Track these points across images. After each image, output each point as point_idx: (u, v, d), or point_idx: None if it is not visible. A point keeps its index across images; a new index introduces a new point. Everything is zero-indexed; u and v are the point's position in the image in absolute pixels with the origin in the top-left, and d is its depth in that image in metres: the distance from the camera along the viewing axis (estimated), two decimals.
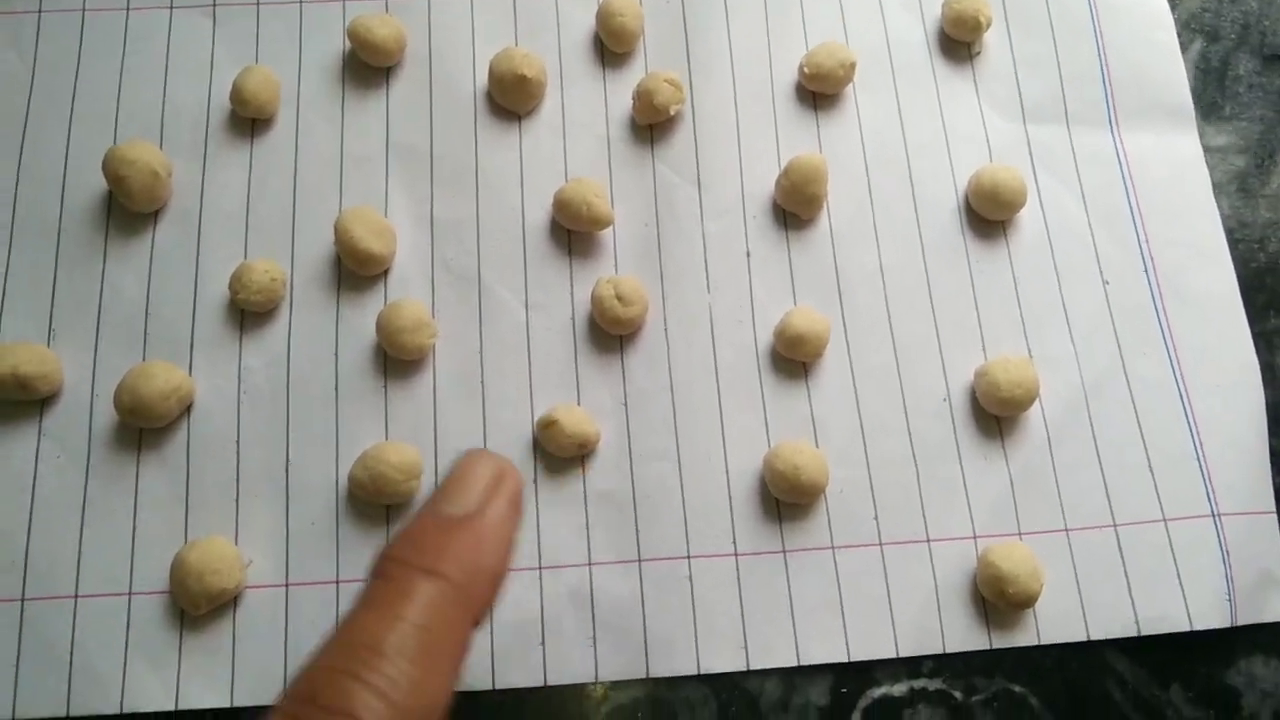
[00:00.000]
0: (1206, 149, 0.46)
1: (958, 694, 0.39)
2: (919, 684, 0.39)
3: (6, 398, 0.39)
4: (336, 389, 0.41)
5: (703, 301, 0.43)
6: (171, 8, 0.46)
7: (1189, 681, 0.39)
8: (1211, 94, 0.48)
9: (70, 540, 0.38)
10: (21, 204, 0.42)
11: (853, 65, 0.45)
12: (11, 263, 0.42)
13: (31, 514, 0.39)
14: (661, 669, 0.38)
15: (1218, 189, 0.46)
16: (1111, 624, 0.39)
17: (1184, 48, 0.48)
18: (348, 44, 0.45)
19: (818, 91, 0.46)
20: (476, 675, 0.37)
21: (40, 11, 0.45)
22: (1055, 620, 0.39)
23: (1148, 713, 0.39)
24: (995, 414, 0.42)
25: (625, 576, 0.39)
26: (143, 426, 0.39)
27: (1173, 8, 0.48)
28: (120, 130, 0.44)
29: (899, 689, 0.39)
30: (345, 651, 0.19)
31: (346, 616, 0.20)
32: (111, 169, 0.41)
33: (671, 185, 0.44)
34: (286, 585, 0.38)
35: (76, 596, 0.38)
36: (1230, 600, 0.39)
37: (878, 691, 0.39)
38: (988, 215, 0.44)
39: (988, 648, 0.39)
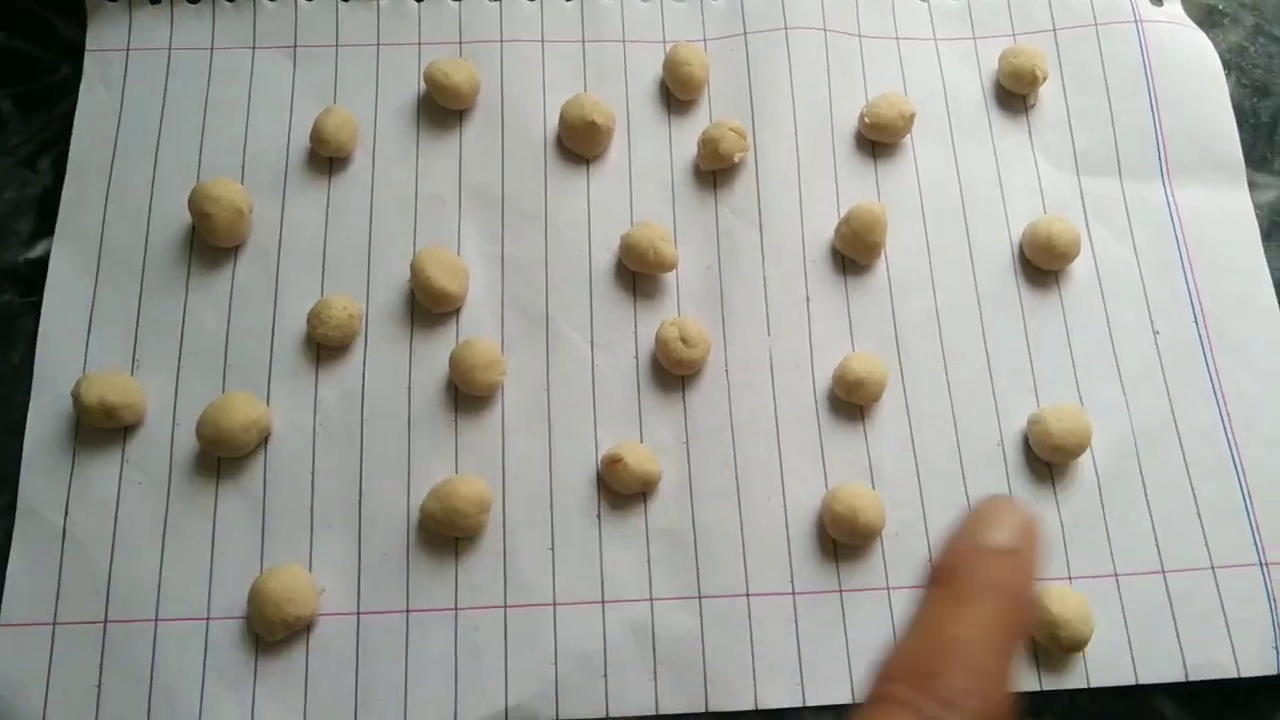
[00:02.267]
0: (1255, 203, 0.47)
1: None
2: None
3: (93, 425, 0.41)
4: (409, 423, 0.42)
5: (763, 344, 0.44)
6: (254, 48, 0.47)
7: None
8: (1262, 149, 0.49)
9: (151, 565, 0.40)
10: (108, 237, 0.44)
11: (912, 116, 0.46)
12: (98, 294, 0.43)
13: (114, 539, 0.40)
14: (720, 703, 0.39)
15: (1266, 241, 0.47)
16: (1159, 669, 0.40)
17: (1235, 103, 0.49)
18: (423, 86, 0.46)
19: (877, 141, 0.47)
20: (539, 706, 0.38)
21: (129, 50, 0.47)
22: (1104, 664, 0.40)
23: None
24: (1047, 460, 0.42)
25: (686, 612, 0.40)
26: (222, 456, 0.41)
27: (1224, 64, 0.50)
28: (204, 167, 0.45)
29: None
30: (933, 643, 0.22)
31: (920, 617, 0.23)
32: (196, 205, 0.43)
33: (734, 230, 0.45)
34: (358, 614, 0.40)
35: (157, 620, 0.39)
36: (1277, 648, 0.40)
37: None
38: (1042, 265, 0.45)
39: (1038, 689, 0.40)
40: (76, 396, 0.40)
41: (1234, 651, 0.40)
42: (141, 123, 0.46)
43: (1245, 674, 0.40)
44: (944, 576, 0.23)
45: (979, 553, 0.23)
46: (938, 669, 0.21)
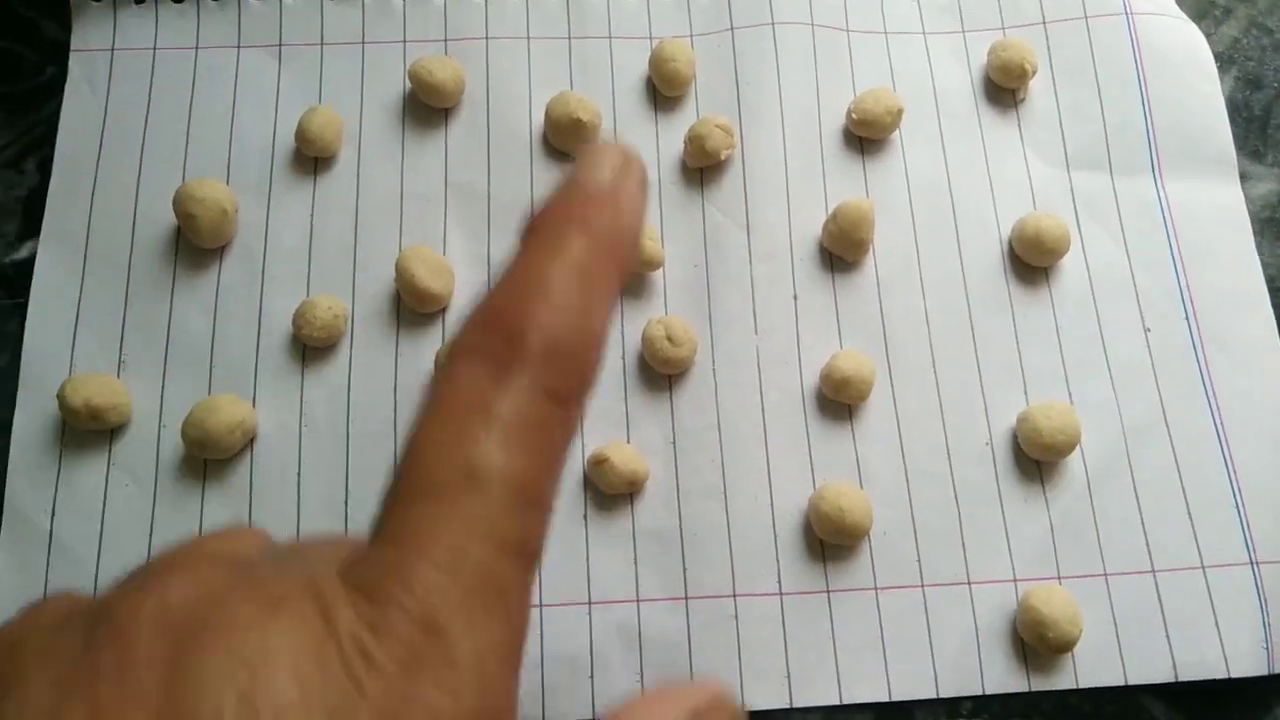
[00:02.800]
0: (1248, 197, 0.47)
1: None
2: None
3: (79, 427, 0.41)
4: (395, 424, 0.42)
5: (750, 343, 0.44)
6: (239, 47, 0.47)
7: None
8: (1254, 142, 0.49)
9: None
10: (94, 238, 0.44)
11: (900, 111, 0.46)
12: (84, 296, 0.43)
13: (101, 541, 0.40)
14: None
15: (1259, 237, 0.46)
16: (1149, 669, 0.40)
17: (1227, 97, 0.49)
18: (408, 85, 0.46)
19: (865, 137, 0.47)
20: (526, 706, 0.38)
21: (113, 50, 0.47)
22: (1093, 664, 0.40)
23: None
24: (1037, 459, 0.42)
25: (672, 613, 0.40)
26: (208, 458, 0.41)
27: (1216, 57, 0.49)
28: (189, 167, 0.45)
29: None
30: (515, 285, 0.20)
31: (504, 268, 0.21)
32: (181, 206, 0.42)
33: (721, 228, 0.45)
34: None
35: None
36: (1268, 648, 0.40)
37: None
38: (1031, 261, 0.45)
39: (1026, 690, 0.40)
40: (62, 399, 0.40)
41: (1224, 651, 0.40)
42: (127, 123, 0.46)
43: (1235, 674, 0.40)
44: (533, 225, 0.21)
45: (570, 195, 0.21)
46: (523, 309, 0.19)
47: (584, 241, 0.20)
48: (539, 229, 0.21)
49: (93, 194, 0.45)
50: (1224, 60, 0.50)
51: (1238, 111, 0.49)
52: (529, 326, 0.19)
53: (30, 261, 0.44)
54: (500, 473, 0.18)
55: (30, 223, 0.45)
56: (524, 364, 0.19)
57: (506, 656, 0.18)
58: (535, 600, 0.40)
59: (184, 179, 0.45)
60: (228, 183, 0.45)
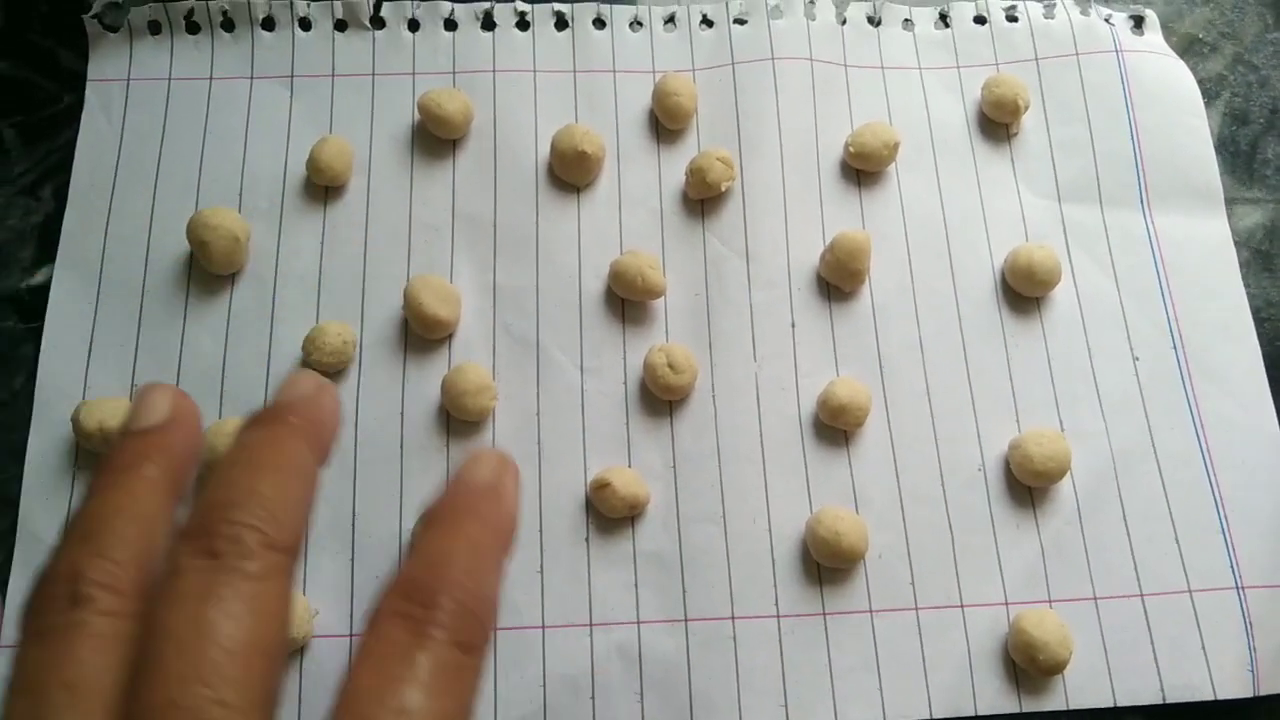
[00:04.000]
0: (1234, 229, 0.48)
1: None
2: None
3: (93, 450, 0.42)
4: (401, 447, 0.43)
5: (749, 370, 0.45)
6: (252, 78, 0.48)
7: None
8: (1240, 176, 0.50)
9: None
10: (109, 264, 0.45)
11: (896, 145, 0.47)
12: (98, 321, 0.44)
13: None
14: None
15: (1245, 269, 0.48)
16: (1137, 691, 0.41)
17: (1214, 131, 0.50)
18: (417, 116, 0.47)
19: (862, 169, 0.48)
20: None
21: (129, 80, 0.48)
22: (1083, 686, 0.41)
23: None
24: (1028, 485, 0.43)
25: (672, 635, 0.41)
26: None
27: (1203, 92, 0.50)
28: (202, 195, 0.46)
29: None
30: (427, 561, 0.24)
31: (411, 550, 0.25)
32: (194, 233, 0.44)
33: (721, 257, 0.46)
34: (351, 636, 0.40)
35: None
36: (1253, 671, 0.41)
37: None
38: (1023, 292, 0.46)
39: (1018, 710, 0.41)
40: (76, 422, 0.41)
41: (1210, 674, 0.41)
42: (141, 152, 0.47)
43: (1221, 696, 0.41)
44: (431, 516, 0.26)
45: (459, 490, 0.26)
46: (423, 580, 0.23)
47: (477, 525, 0.25)
48: (441, 516, 0.26)
49: (108, 221, 0.46)
50: (1211, 95, 0.51)
51: (1224, 145, 0.50)
52: (440, 592, 0.23)
53: (46, 287, 0.45)
54: (427, 713, 0.21)
55: (46, 249, 0.46)
56: (438, 623, 0.22)
57: None
58: (538, 622, 0.41)
59: (197, 207, 0.46)
60: (240, 211, 0.46)
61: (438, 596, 0.23)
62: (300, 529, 0.24)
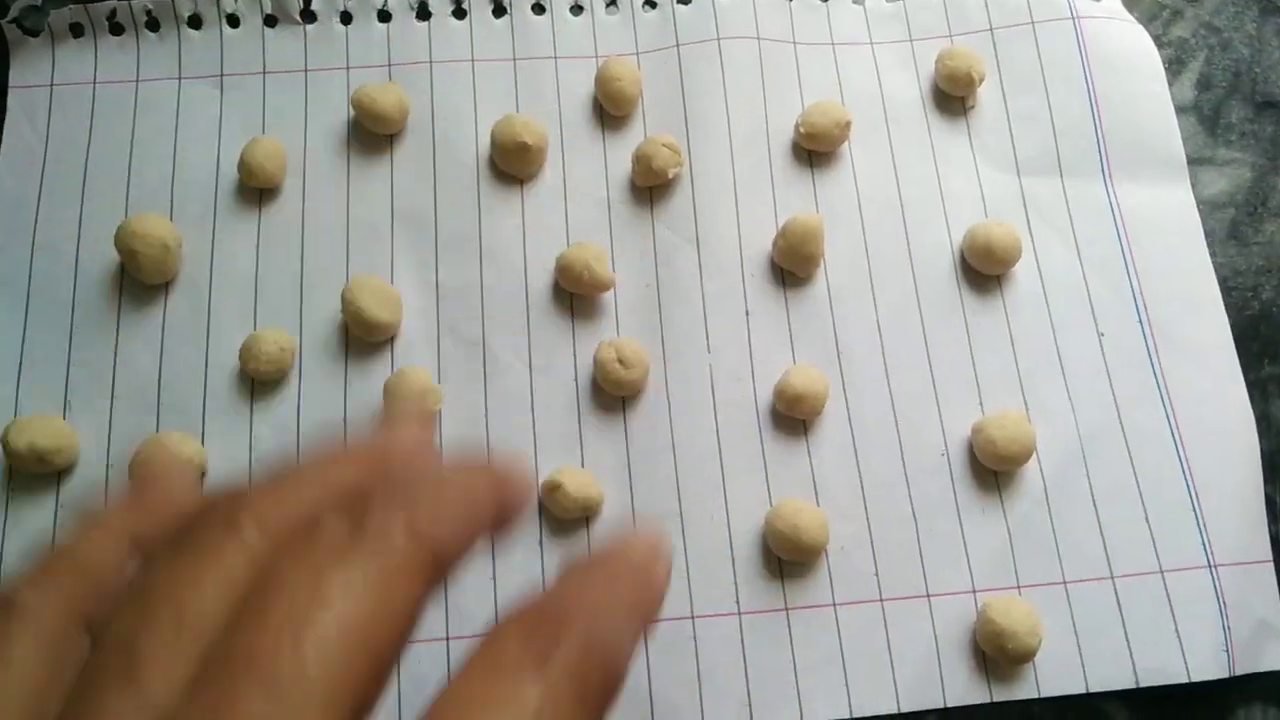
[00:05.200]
0: (1199, 198, 0.47)
1: None
2: None
3: (25, 470, 0.40)
4: None
5: (703, 361, 0.43)
6: (180, 79, 0.47)
7: None
8: (1203, 142, 0.49)
9: None
10: (36, 277, 0.43)
11: (848, 124, 0.46)
12: (27, 337, 0.43)
13: None
14: None
15: (1210, 237, 0.46)
16: (1110, 676, 0.40)
17: (1175, 97, 0.49)
18: (352, 112, 0.46)
19: (814, 150, 0.47)
20: None
21: (53, 85, 0.46)
22: (1054, 673, 0.40)
23: None
24: (993, 469, 0.42)
25: None
26: None
27: (1166, 59, 0.49)
28: (131, 201, 0.45)
29: None
30: (556, 593, 0.22)
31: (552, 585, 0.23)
32: (123, 243, 0.42)
33: (671, 246, 0.45)
34: None
35: None
36: (1228, 651, 0.40)
37: None
38: (984, 270, 0.45)
39: (988, 700, 0.40)
40: (5, 443, 0.40)
41: (1184, 656, 0.40)
42: (67, 159, 0.45)
43: (1196, 678, 0.40)
44: (586, 563, 0.23)
45: (616, 554, 0.24)
46: (567, 608, 0.21)
47: (628, 588, 0.22)
48: (594, 567, 0.23)
49: (34, 232, 0.44)
50: (1173, 62, 0.50)
51: (1186, 113, 0.49)
52: (575, 626, 0.20)
53: None
54: None
55: None
56: (562, 656, 0.20)
57: None
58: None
59: (127, 214, 0.44)
60: (171, 217, 0.44)
61: (571, 628, 0.20)
62: (457, 548, 0.21)
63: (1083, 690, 0.40)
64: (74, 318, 0.43)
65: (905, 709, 0.39)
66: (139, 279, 0.43)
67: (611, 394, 0.42)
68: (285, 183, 0.45)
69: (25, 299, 0.43)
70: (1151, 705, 0.40)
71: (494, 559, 0.40)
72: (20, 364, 0.42)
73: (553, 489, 0.40)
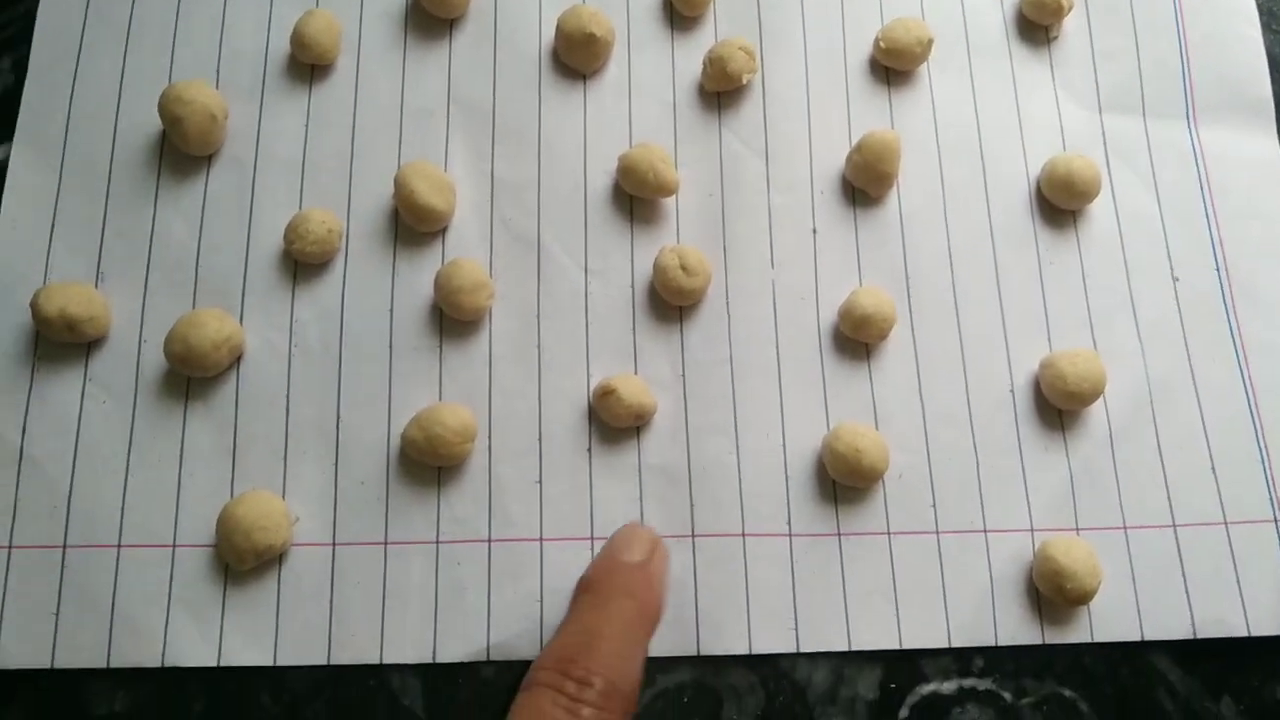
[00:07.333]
0: None
1: (1007, 695, 0.38)
2: (969, 683, 0.38)
3: (54, 339, 0.38)
4: (391, 347, 0.40)
5: (766, 276, 0.42)
6: None
7: (1240, 694, 0.39)
8: None
9: (114, 488, 0.38)
10: (72, 141, 0.41)
11: (930, 42, 0.44)
12: (61, 201, 0.41)
13: (75, 460, 0.38)
14: (712, 647, 0.37)
15: None
16: (1166, 625, 0.38)
17: (1267, 44, 0.47)
18: None
19: (892, 68, 0.45)
20: (521, 644, 0.37)
21: None
22: (1109, 619, 0.39)
23: None
24: (1059, 407, 0.41)
25: (678, 551, 0.38)
26: (191, 375, 0.38)
27: (1258, 6, 0.47)
28: (175, 68, 0.43)
29: (948, 687, 0.38)
30: (580, 637, 0.30)
31: (569, 618, 0.32)
32: (167, 109, 0.40)
33: (738, 156, 0.43)
34: (334, 544, 0.38)
35: (119, 546, 0.37)
36: None
37: (926, 688, 0.38)
38: (1060, 204, 0.43)
39: (1040, 642, 0.38)
40: (36, 308, 0.38)
41: (1244, 609, 0.39)
42: (109, 20, 0.43)
43: (1255, 632, 0.38)
44: (588, 586, 0.32)
45: (615, 567, 0.32)
46: (578, 656, 0.28)
47: (629, 604, 0.31)
48: (597, 588, 0.32)
49: (71, 94, 0.42)
50: (1264, 10, 0.48)
51: (1276, 63, 0.47)
52: (593, 672, 0.28)
53: (3, 165, 0.41)
54: None
55: (4, 125, 0.42)
56: (589, 702, 0.27)
57: None
58: (535, 534, 0.38)
59: (170, 80, 0.42)
60: (217, 87, 0.42)
61: (591, 676, 0.28)
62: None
63: (1137, 638, 0.38)
64: (111, 185, 0.41)
65: (956, 644, 0.38)
66: (182, 148, 0.41)
67: (670, 302, 0.41)
68: (339, 60, 0.43)
69: (60, 163, 0.41)
70: (1205, 664, 0.39)
71: (541, 463, 0.39)
72: (53, 229, 0.40)
73: (605, 393, 0.38)
